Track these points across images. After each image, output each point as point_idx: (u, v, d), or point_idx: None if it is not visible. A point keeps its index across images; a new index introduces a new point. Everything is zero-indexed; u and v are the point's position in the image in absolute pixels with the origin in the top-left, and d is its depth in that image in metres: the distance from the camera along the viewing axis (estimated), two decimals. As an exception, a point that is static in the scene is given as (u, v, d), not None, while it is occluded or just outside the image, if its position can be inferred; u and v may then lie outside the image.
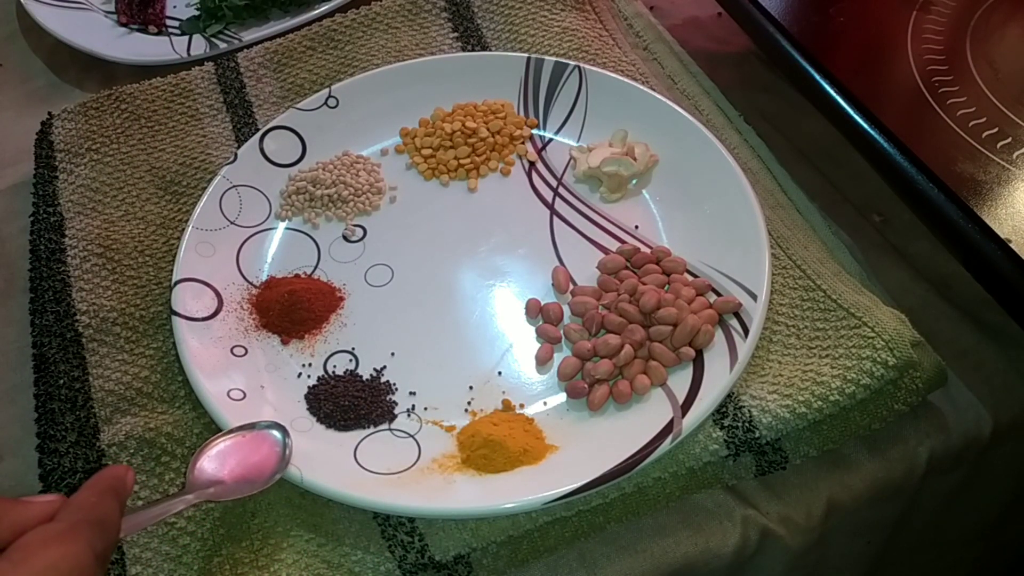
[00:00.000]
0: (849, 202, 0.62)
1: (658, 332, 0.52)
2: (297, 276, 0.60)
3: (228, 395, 0.53)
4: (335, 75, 0.69)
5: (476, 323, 0.57)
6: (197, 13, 0.78)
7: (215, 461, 0.47)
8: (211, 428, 0.52)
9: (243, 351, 0.56)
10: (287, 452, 0.48)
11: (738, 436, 0.49)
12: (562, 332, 0.55)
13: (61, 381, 0.55)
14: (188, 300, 0.57)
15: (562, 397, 0.53)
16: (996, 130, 0.57)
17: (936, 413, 0.52)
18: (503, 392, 0.53)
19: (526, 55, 0.67)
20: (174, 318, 0.56)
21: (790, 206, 0.59)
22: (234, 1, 0.76)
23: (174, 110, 0.69)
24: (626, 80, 0.64)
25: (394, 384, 0.54)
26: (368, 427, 0.52)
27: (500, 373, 0.54)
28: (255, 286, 0.60)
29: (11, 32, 0.82)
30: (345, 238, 0.62)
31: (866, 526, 0.53)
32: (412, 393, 0.54)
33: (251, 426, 0.49)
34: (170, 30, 0.78)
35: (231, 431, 0.49)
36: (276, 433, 0.49)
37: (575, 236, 0.60)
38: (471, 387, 0.54)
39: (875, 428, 0.50)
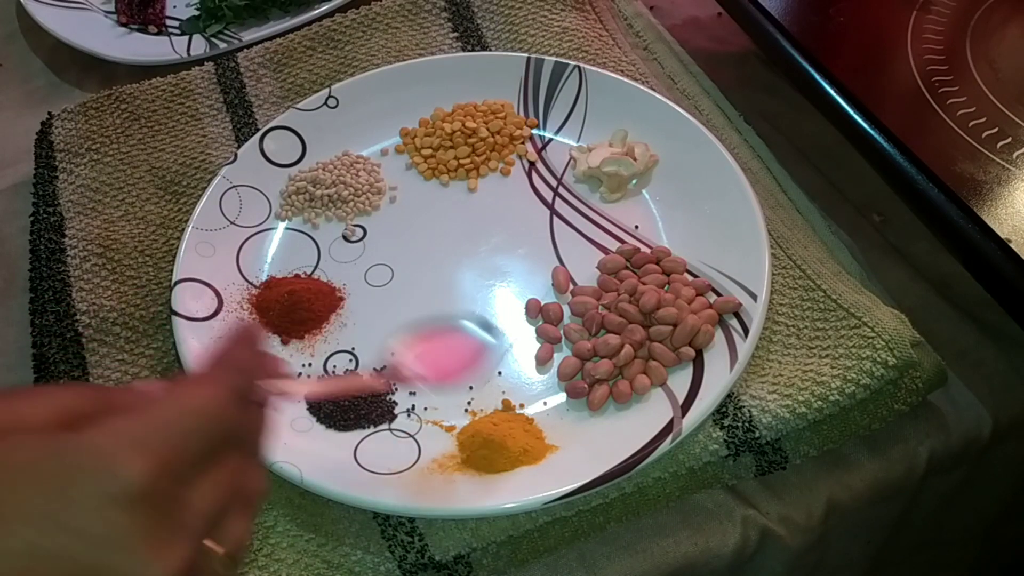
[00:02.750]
0: (849, 202, 0.62)
1: (658, 332, 0.52)
2: (297, 276, 0.60)
3: (228, 395, 0.53)
4: (335, 75, 0.69)
5: (476, 323, 0.56)
6: (197, 13, 0.78)
7: (416, 355, 0.47)
8: (211, 428, 0.52)
9: (243, 351, 0.56)
10: (496, 350, 0.46)
11: (738, 436, 0.49)
12: (562, 332, 0.55)
13: (61, 381, 0.55)
14: (188, 300, 0.57)
15: (562, 397, 0.53)
16: (996, 130, 0.57)
17: (936, 413, 0.52)
18: (503, 392, 0.53)
19: (526, 55, 0.67)
20: (174, 318, 0.56)
21: (790, 206, 0.59)
22: (234, 1, 0.76)
23: (174, 110, 0.69)
24: (626, 80, 0.64)
25: (394, 384, 0.54)
26: (368, 427, 0.52)
27: (500, 373, 0.54)
28: (255, 286, 0.60)
29: (11, 32, 0.82)
30: (345, 238, 0.62)
31: (866, 526, 0.53)
32: (412, 393, 0.54)
33: (453, 325, 0.47)
34: (170, 30, 0.78)
35: (431, 327, 0.47)
36: (479, 331, 0.47)
37: (575, 236, 0.60)
38: (471, 387, 0.54)
39: (875, 428, 0.50)
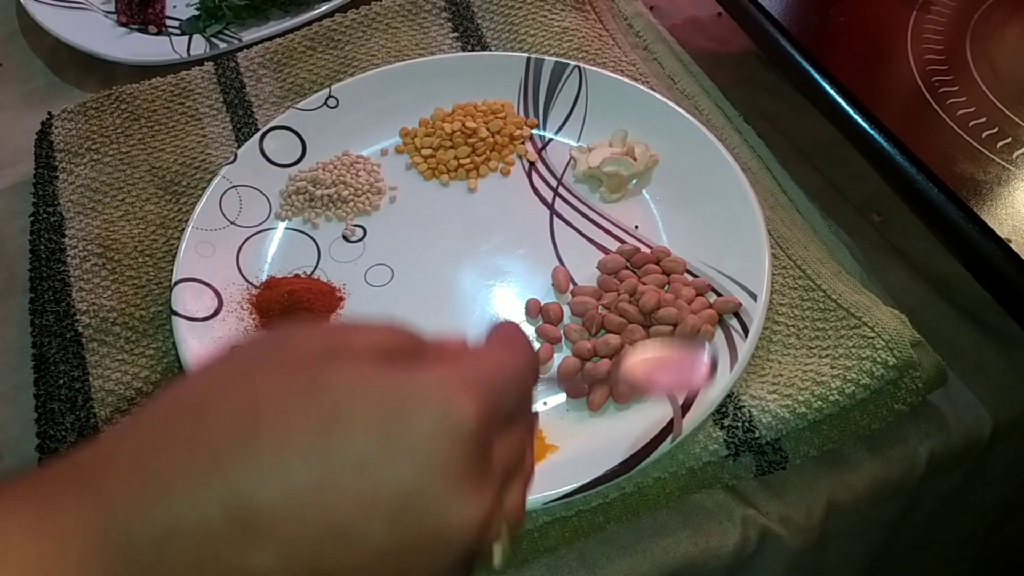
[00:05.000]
0: (849, 202, 0.62)
1: (658, 332, 0.52)
2: (297, 276, 0.60)
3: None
4: (335, 75, 0.69)
5: (476, 323, 0.56)
6: (197, 13, 0.78)
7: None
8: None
9: (243, 351, 0.56)
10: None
11: (738, 436, 0.49)
12: (562, 332, 0.55)
13: (61, 381, 0.55)
14: (188, 300, 0.57)
15: (562, 397, 0.53)
16: (996, 130, 0.57)
17: (936, 413, 0.52)
18: (503, 392, 0.53)
19: (526, 55, 0.67)
20: (174, 318, 0.56)
21: (790, 206, 0.59)
22: (234, 1, 0.76)
23: (174, 110, 0.69)
24: (626, 80, 0.64)
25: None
26: (368, 427, 0.52)
27: (500, 373, 0.54)
28: (255, 286, 0.60)
29: (11, 32, 0.82)
30: (345, 238, 0.62)
31: (866, 526, 0.53)
32: (412, 393, 0.54)
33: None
34: (170, 30, 0.78)
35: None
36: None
37: (575, 236, 0.60)
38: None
39: (875, 428, 0.50)
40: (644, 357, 0.45)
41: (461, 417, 0.28)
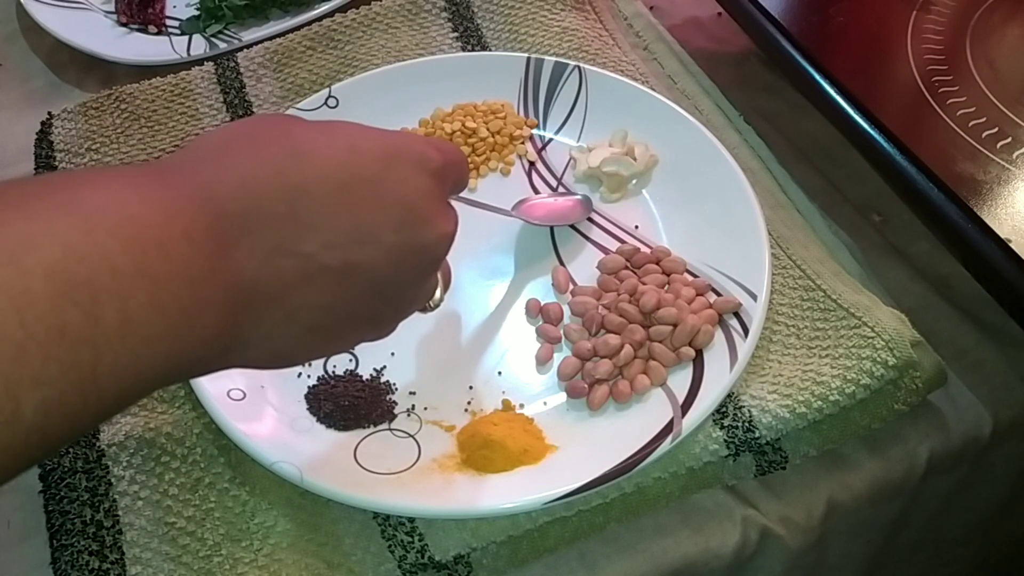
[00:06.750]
0: (849, 202, 0.62)
1: (658, 332, 0.52)
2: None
3: (228, 395, 0.53)
4: (335, 75, 0.69)
5: (476, 323, 0.56)
6: (197, 13, 0.78)
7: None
8: (211, 428, 0.52)
9: (243, 351, 0.56)
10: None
11: (738, 436, 0.49)
12: (562, 332, 0.55)
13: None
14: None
15: (562, 397, 0.53)
16: (996, 130, 0.57)
17: (936, 413, 0.52)
18: (503, 392, 0.53)
19: (526, 55, 0.67)
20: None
21: (790, 206, 0.59)
22: (234, 1, 0.76)
23: (174, 110, 0.69)
24: (626, 80, 0.64)
25: (394, 384, 0.54)
26: (368, 427, 0.52)
27: (500, 373, 0.54)
28: (255, 286, 0.59)
29: (11, 32, 0.82)
30: (345, 238, 0.62)
31: (866, 526, 0.53)
32: (412, 393, 0.54)
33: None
34: (170, 30, 0.78)
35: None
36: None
37: (575, 236, 0.60)
38: (471, 387, 0.54)
39: (875, 428, 0.50)
40: None
41: (432, 160, 0.40)
